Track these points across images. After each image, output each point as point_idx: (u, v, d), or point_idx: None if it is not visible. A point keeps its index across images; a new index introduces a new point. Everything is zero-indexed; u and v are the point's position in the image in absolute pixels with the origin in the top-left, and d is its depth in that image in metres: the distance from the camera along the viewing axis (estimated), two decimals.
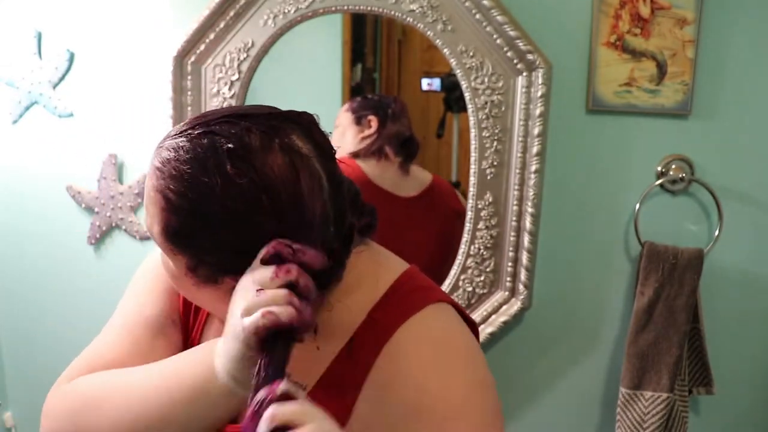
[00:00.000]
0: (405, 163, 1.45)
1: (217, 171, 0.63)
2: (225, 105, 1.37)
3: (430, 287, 0.78)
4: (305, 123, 0.69)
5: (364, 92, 1.54)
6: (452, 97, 1.41)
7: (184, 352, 0.74)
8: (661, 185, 1.34)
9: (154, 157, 0.67)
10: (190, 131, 0.66)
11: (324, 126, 0.73)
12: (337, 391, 0.71)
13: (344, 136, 1.45)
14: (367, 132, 1.43)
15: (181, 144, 0.65)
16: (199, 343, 0.79)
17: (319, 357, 0.73)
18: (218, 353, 0.66)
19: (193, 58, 1.36)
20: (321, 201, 0.66)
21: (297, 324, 0.62)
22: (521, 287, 1.35)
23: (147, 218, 0.70)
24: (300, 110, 0.70)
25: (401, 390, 0.69)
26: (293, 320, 0.61)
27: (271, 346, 0.61)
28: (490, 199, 1.33)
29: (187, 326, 0.83)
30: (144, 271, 0.86)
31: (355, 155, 1.44)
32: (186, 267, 0.68)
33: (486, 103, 1.29)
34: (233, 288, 0.65)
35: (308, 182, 0.65)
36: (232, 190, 0.63)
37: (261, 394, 0.57)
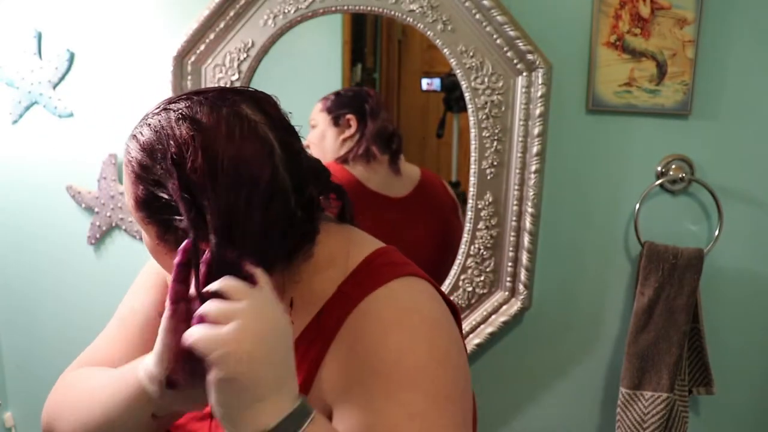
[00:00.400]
0: (393, 161, 1.45)
1: (170, 138, 0.69)
2: None
3: (403, 263, 0.79)
4: (257, 96, 0.74)
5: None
6: (452, 97, 1.41)
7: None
8: (661, 185, 1.34)
9: (127, 140, 0.74)
10: (152, 112, 0.73)
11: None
12: (301, 360, 0.73)
13: (324, 138, 1.43)
14: (347, 133, 1.42)
15: (146, 122, 0.72)
16: None
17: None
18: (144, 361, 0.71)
19: (193, 58, 1.36)
20: (270, 165, 0.69)
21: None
22: (521, 287, 1.35)
23: (126, 196, 0.76)
24: (260, 90, 0.77)
25: (361, 351, 0.70)
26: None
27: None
28: (490, 199, 1.33)
29: None
30: (142, 270, 0.93)
31: (343, 160, 1.42)
32: (156, 236, 0.73)
33: (486, 103, 1.29)
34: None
35: (253, 145, 0.69)
36: (180, 155, 0.68)
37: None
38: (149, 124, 0.72)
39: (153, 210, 0.72)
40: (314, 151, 1.43)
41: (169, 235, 0.72)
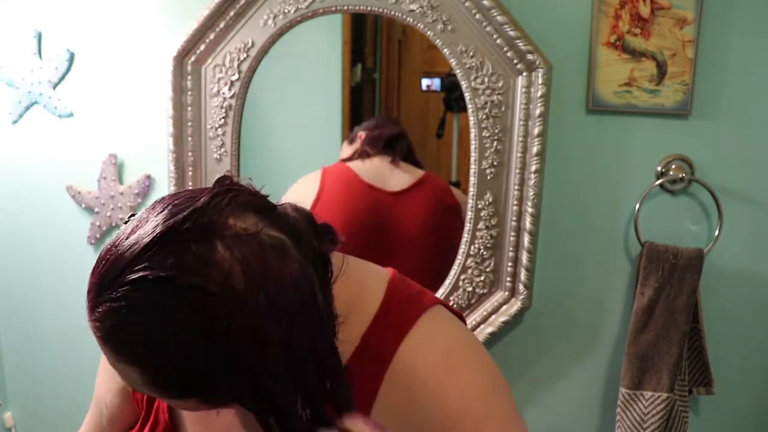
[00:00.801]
0: (394, 160, 1.48)
1: (178, 323, 0.55)
2: (225, 105, 1.37)
3: (417, 293, 0.74)
4: (233, 195, 0.60)
5: (364, 92, 1.55)
6: (452, 97, 1.41)
7: None
8: (661, 185, 1.34)
9: (96, 331, 0.58)
10: (120, 287, 0.55)
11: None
12: None
13: (342, 156, 1.51)
14: (356, 145, 1.49)
15: (120, 308, 0.55)
16: (171, 420, 0.79)
17: None
18: None
19: (193, 58, 1.36)
20: (287, 260, 0.59)
21: None
22: (521, 287, 1.35)
23: (127, 381, 0.61)
24: (217, 183, 0.62)
25: (419, 412, 0.67)
26: None
27: None
28: (490, 199, 1.33)
29: None
30: None
31: (343, 160, 1.49)
32: (197, 404, 0.61)
33: (486, 103, 1.29)
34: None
35: (269, 257, 0.58)
36: (196, 327, 0.55)
37: None
38: (141, 299, 0.55)
39: (183, 391, 0.59)
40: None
41: (213, 400, 0.61)
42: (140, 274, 0.55)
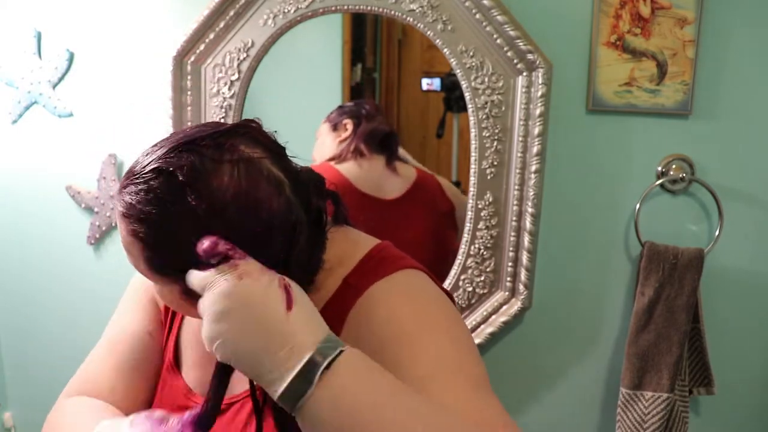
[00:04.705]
0: (389, 162, 1.45)
1: (180, 206, 0.66)
2: (225, 105, 1.37)
3: (401, 256, 0.80)
4: (250, 130, 0.73)
5: (364, 92, 1.54)
6: (452, 96, 1.41)
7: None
8: (662, 185, 1.34)
9: (118, 204, 0.71)
10: (145, 173, 0.69)
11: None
12: None
13: (324, 144, 1.46)
14: (343, 135, 1.45)
15: (140, 188, 0.68)
16: (176, 345, 0.89)
17: None
18: None
19: (192, 58, 1.36)
20: (284, 199, 0.69)
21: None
22: (521, 287, 1.35)
23: (130, 258, 0.73)
24: (243, 120, 0.76)
25: (374, 327, 0.72)
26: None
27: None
28: (490, 199, 1.33)
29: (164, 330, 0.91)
30: (127, 290, 0.95)
31: (332, 159, 1.44)
32: (180, 292, 0.71)
33: (486, 102, 1.29)
34: None
35: (265, 185, 0.68)
36: (197, 218, 0.66)
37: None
38: (146, 191, 0.68)
39: (172, 272, 0.70)
40: (316, 159, 1.46)
41: (194, 291, 0.70)
42: (159, 165, 0.68)
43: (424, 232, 1.47)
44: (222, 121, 1.37)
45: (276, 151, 0.73)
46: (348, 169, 1.43)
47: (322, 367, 0.59)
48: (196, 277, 0.65)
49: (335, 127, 1.45)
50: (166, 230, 0.67)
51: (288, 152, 0.75)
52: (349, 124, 1.44)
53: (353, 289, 0.75)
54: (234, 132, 0.71)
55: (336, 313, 0.74)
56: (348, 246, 0.80)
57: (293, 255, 0.69)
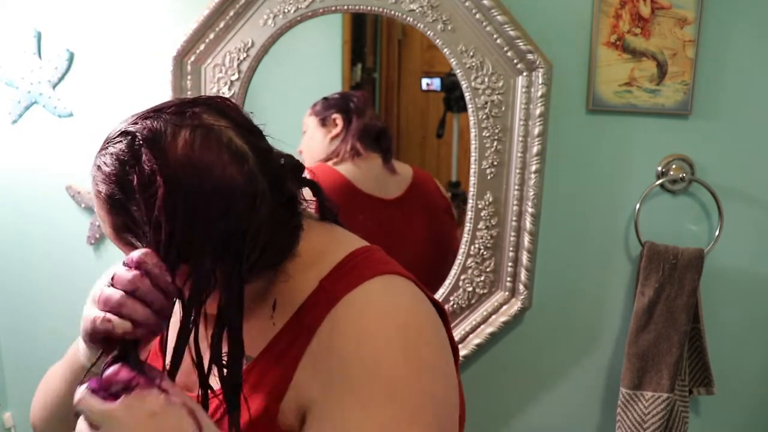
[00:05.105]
0: (386, 160, 1.44)
1: (135, 164, 0.68)
2: None
3: (385, 261, 0.77)
4: (217, 103, 0.74)
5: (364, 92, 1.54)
6: (452, 96, 1.41)
7: None
8: (662, 185, 1.34)
9: (91, 170, 0.73)
10: (112, 137, 0.71)
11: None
12: (278, 359, 0.73)
13: (312, 140, 1.44)
14: (334, 132, 1.42)
15: (106, 151, 0.71)
16: (161, 344, 0.87)
17: (271, 328, 0.75)
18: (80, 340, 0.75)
19: (192, 58, 1.36)
20: (244, 171, 0.69)
21: (131, 337, 0.64)
22: (521, 287, 1.35)
23: (100, 223, 0.75)
24: (215, 95, 0.78)
25: (336, 360, 0.69)
26: (126, 334, 0.64)
27: (108, 347, 0.66)
28: (490, 199, 1.33)
29: None
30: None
31: (328, 159, 1.42)
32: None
33: (486, 102, 1.29)
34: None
35: (222, 155, 0.68)
36: (148, 178, 0.67)
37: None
38: (111, 153, 0.70)
39: (130, 237, 0.71)
40: (305, 155, 1.44)
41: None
42: (124, 128, 0.70)
43: (425, 231, 1.47)
44: None
45: (244, 125, 0.73)
46: (347, 169, 1.42)
47: None
48: (97, 408, 0.61)
49: (324, 122, 1.43)
50: (124, 190, 0.69)
51: (268, 138, 0.76)
52: (338, 119, 1.42)
53: (328, 293, 0.73)
54: (199, 102, 0.73)
55: (310, 321, 0.72)
56: (330, 243, 0.79)
57: (251, 227, 0.68)
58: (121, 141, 0.70)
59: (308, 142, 1.44)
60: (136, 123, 0.70)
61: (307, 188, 0.81)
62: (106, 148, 0.71)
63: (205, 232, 0.67)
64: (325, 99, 1.45)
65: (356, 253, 0.77)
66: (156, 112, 0.71)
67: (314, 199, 0.82)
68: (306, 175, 0.80)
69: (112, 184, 0.69)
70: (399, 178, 1.45)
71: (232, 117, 0.73)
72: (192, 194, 0.67)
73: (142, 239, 0.69)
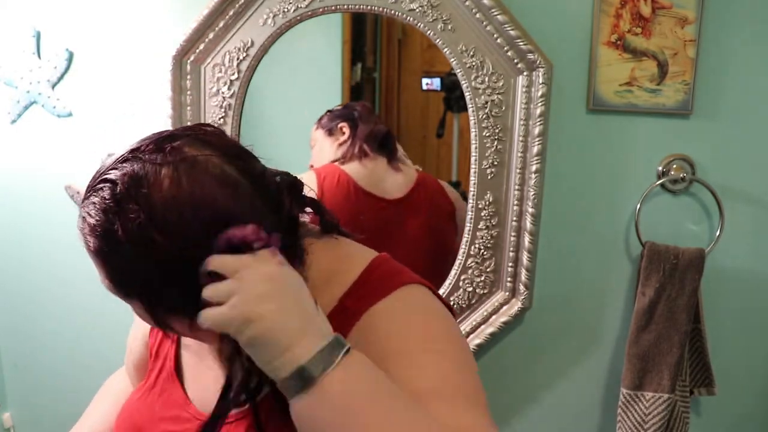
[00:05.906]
0: (391, 161, 1.45)
1: (122, 217, 0.65)
2: (224, 104, 1.37)
3: (400, 272, 0.78)
4: (197, 132, 0.70)
5: (364, 92, 1.54)
6: (452, 96, 1.41)
7: None
8: (662, 185, 1.34)
9: (78, 223, 0.70)
10: (96, 186, 0.68)
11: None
12: None
13: (322, 150, 1.46)
14: (341, 139, 1.45)
15: (90, 201, 0.68)
16: (176, 354, 0.88)
17: None
18: None
19: (192, 58, 1.36)
20: (236, 197, 0.67)
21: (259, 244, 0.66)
22: (521, 287, 1.35)
23: (101, 276, 0.73)
24: (196, 124, 0.75)
25: (373, 343, 0.70)
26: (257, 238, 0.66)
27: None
28: (491, 199, 1.33)
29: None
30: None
31: (335, 161, 1.44)
32: (143, 307, 0.70)
33: (486, 102, 1.29)
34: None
35: (215, 185, 0.66)
36: (136, 227, 0.64)
37: None
38: (93, 203, 0.67)
39: (128, 288, 0.70)
40: (316, 166, 1.46)
41: (157, 306, 0.70)
42: (105, 176, 0.67)
43: (425, 232, 1.47)
44: (221, 121, 1.37)
45: (230, 151, 0.70)
46: (353, 169, 1.43)
47: (346, 347, 0.63)
48: (226, 260, 0.63)
49: (330, 132, 1.45)
50: (114, 242, 0.66)
51: (260, 157, 0.73)
52: (345, 127, 1.44)
53: (350, 312, 0.73)
54: (178, 135, 0.69)
55: None
56: (339, 261, 0.78)
57: None
58: (102, 188, 0.67)
59: (318, 154, 1.46)
60: (116, 168, 0.67)
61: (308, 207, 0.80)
62: (89, 197, 0.68)
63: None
64: (330, 111, 1.47)
65: (371, 269, 0.77)
66: (133, 152, 0.68)
67: (315, 215, 0.80)
68: (305, 191, 0.78)
69: (100, 237, 0.67)
70: (403, 179, 1.46)
71: (216, 144, 0.69)
72: (185, 236, 0.64)
73: (140, 287, 0.69)
